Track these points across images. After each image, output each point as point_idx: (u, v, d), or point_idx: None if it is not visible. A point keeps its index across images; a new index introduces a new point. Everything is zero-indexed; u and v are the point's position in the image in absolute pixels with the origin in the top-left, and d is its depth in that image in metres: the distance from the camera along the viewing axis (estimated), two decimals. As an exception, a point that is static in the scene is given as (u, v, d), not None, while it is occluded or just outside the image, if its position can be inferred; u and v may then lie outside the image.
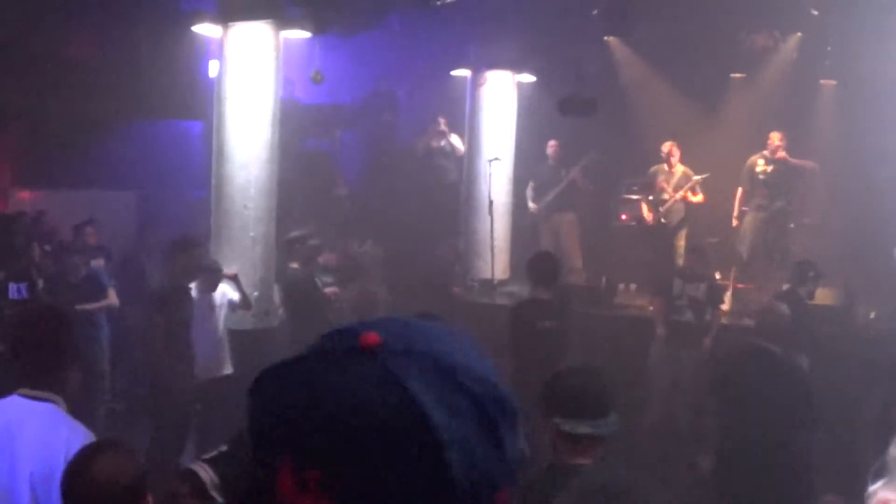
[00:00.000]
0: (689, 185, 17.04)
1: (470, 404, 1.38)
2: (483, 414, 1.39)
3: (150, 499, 4.15)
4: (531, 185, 18.48)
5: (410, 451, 1.33)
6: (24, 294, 6.14)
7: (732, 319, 15.22)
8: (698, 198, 17.15)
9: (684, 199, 17.08)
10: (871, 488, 4.35)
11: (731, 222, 17.51)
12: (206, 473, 4.80)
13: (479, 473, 1.36)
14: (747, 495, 8.49)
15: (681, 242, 17.12)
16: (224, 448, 4.94)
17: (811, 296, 13.18)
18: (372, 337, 1.41)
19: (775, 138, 16.61)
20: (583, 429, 5.05)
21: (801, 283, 13.13)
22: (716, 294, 14.03)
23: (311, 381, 1.38)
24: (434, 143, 19.62)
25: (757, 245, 16.85)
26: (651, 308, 14.75)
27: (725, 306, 16.01)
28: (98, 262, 15.12)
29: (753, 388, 8.83)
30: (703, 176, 17.08)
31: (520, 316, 11.27)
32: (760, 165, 16.65)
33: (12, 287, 4.90)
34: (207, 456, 4.88)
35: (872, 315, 14.50)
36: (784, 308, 10.46)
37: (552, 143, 18.40)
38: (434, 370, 1.39)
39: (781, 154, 16.50)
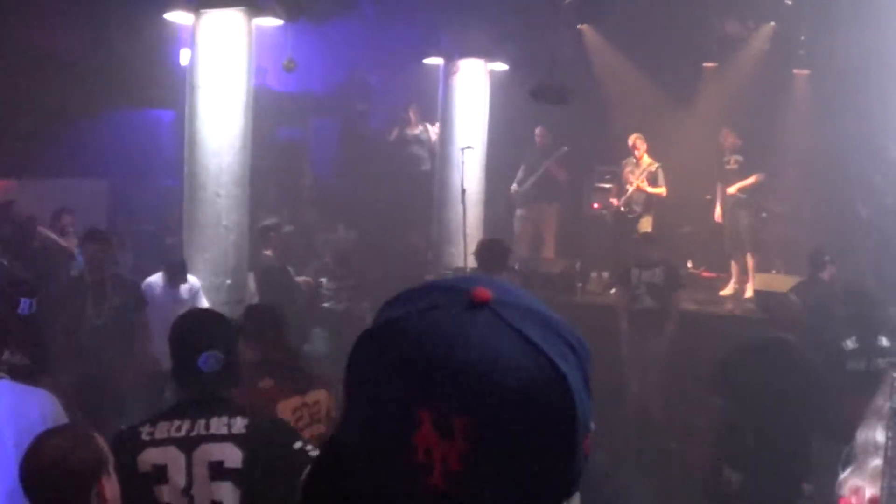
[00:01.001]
0: (643, 174, 17.12)
1: (572, 353, 1.45)
2: (580, 362, 1.46)
3: (106, 485, 4.14)
4: (521, 167, 18.56)
5: (546, 398, 1.38)
6: (34, 309, 6.12)
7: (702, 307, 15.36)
8: (659, 189, 17.18)
9: (641, 190, 17.15)
10: (842, 476, 4.37)
11: (703, 211, 17.52)
12: None
13: (584, 419, 1.43)
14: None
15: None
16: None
17: (833, 278, 13.23)
18: (484, 291, 1.44)
19: (727, 136, 16.84)
20: None
21: (819, 269, 13.24)
22: (673, 278, 14.23)
23: (442, 333, 1.40)
24: (408, 132, 19.62)
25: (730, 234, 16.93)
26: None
27: (728, 291, 16.15)
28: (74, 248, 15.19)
29: (767, 384, 8.47)
30: (657, 165, 17.17)
31: None
32: (731, 160, 16.77)
33: (24, 303, 4.88)
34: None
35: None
36: (794, 297, 10.61)
37: (539, 130, 18.46)
38: (540, 322, 1.44)
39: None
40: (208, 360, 5.08)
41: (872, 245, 16.41)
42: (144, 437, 5.02)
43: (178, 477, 4.96)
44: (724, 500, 8.86)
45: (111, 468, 4.22)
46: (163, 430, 5.04)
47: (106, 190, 19.97)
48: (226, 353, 5.17)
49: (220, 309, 12.37)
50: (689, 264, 18.47)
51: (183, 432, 5.01)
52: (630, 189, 17.19)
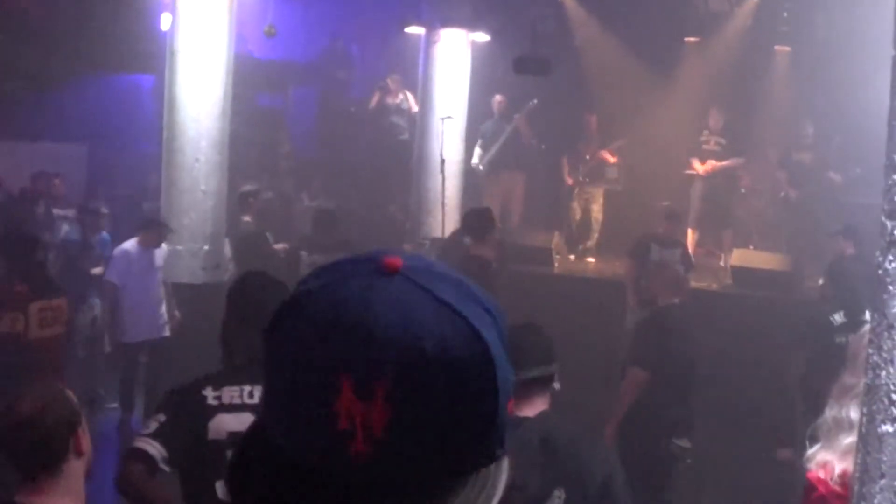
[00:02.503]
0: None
1: (489, 317, 1.44)
2: (498, 326, 1.45)
3: (82, 439, 4.18)
4: (479, 142, 18.47)
5: (465, 358, 1.38)
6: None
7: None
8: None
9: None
10: (810, 451, 4.40)
11: (682, 186, 17.54)
12: (155, 449, 4.85)
13: (505, 381, 1.42)
14: None
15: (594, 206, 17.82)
16: (162, 418, 4.95)
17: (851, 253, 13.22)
18: (395, 259, 1.44)
19: (714, 116, 16.82)
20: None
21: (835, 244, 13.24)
22: (688, 259, 14.08)
23: (357, 299, 1.40)
24: (388, 100, 19.59)
25: (703, 211, 16.91)
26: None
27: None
28: (69, 213, 15.22)
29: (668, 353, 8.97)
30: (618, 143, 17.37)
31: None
32: (710, 140, 16.76)
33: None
34: (149, 431, 4.94)
35: (821, 281, 14.58)
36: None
37: (498, 97, 18.40)
38: (455, 286, 1.45)
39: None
40: None
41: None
42: (211, 401, 4.91)
43: None
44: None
45: (84, 422, 4.25)
46: (232, 395, 4.94)
47: (85, 154, 19.93)
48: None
49: (197, 274, 12.46)
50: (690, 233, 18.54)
51: (257, 398, 4.85)
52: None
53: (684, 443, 8.98)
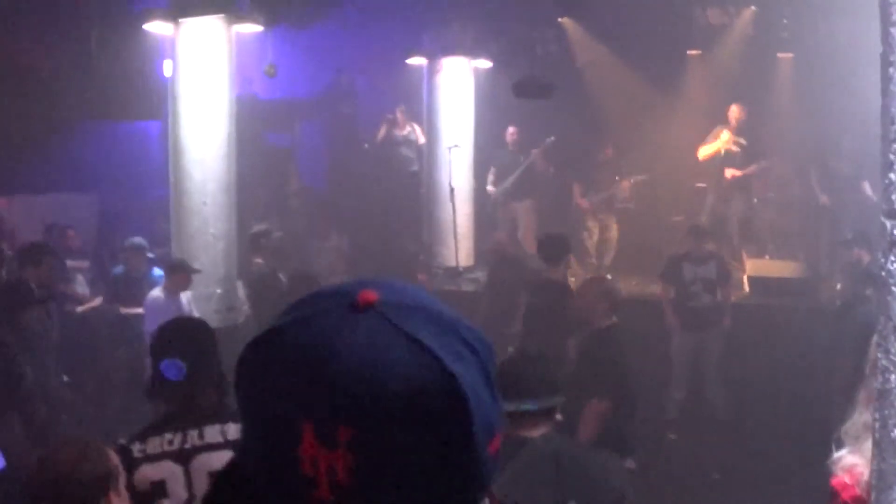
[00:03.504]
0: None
1: (470, 353, 1.40)
2: (481, 362, 1.41)
3: (114, 500, 4.13)
4: (492, 170, 18.46)
5: (434, 401, 1.33)
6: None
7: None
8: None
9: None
10: (837, 455, 4.34)
11: (694, 200, 17.44)
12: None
13: (486, 421, 1.38)
14: None
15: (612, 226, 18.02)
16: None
17: (860, 260, 13.14)
18: (370, 293, 1.40)
19: (737, 111, 16.64)
20: (506, 408, 5.14)
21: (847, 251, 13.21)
22: (724, 271, 13.82)
23: (322, 340, 1.36)
24: (395, 133, 19.59)
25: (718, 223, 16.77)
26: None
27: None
28: (82, 264, 15.19)
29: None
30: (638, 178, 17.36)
31: (529, 292, 12.03)
32: (726, 142, 16.60)
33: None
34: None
35: (839, 286, 14.52)
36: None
37: (511, 129, 18.40)
38: (434, 321, 1.40)
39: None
40: (169, 368, 4.93)
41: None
42: (137, 454, 4.90)
43: (179, 490, 4.86)
44: None
45: (121, 483, 4.22)
46: (155, 445, 4.93)
47: (95, 204, 19.94)
48: (193, 360, 4.99)
49: (211, 318, 12.36)
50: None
51: (176, 445, 4.90)
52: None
53: (629, 464, 8.89)
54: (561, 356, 11.33)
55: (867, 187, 16.41)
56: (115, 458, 4.25)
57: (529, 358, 5.79)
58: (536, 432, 5.36)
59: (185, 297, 12.07)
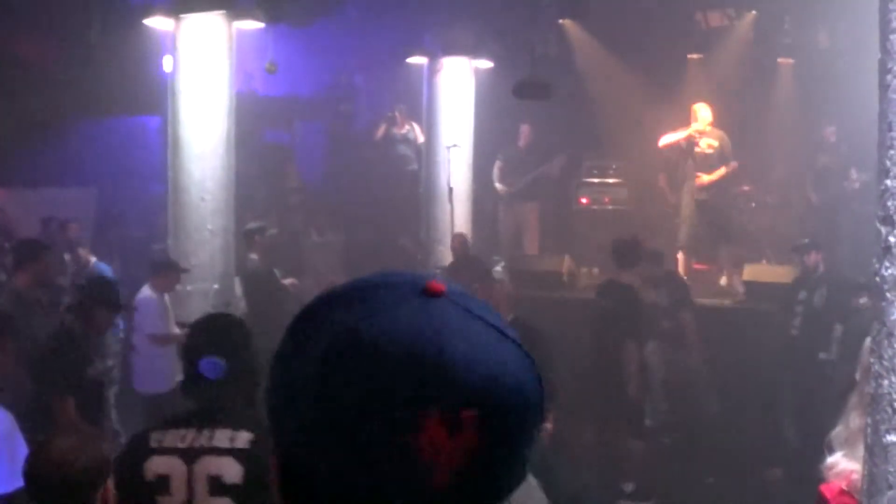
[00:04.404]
0: None
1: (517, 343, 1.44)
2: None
3: (110, 485, 4.17)
4: (498, 165, 18.51)
5: (524, 383, 1.39)
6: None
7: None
8: None
9: None
10: (830, 460, 4.32)
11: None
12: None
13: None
14: None
15: None
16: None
17: (817, 264, 13.20)
18: (439, 284, 1.43)
19: (702, 110, 16.46)
20: None
21: (801, 255, 13.24)
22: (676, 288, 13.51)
23: (425, 331, 1.37)
24: (395, 131, 19.60)
25: (698, 227, 16.59)
26: None
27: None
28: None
29: None
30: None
31: (598, 293, 12.12)
32: (701, 143, 16.41)
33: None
34: None
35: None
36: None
37: (525, 128, 18.46)
38: (488, 307, 1.45)
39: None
40: (208, 366, 4.86)
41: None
42: (153, 443, 4.84)
43: (180, 489, 4.76)
44: None
45: (111, 477, 4.25)
46: (171, 438, 4.86)
47: (93, 197, 19.95)
48: (231, 359, 4.93)
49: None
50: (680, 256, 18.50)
51: (187, 443, 4.81)
52: None
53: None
54: (627, 359, 11.40)
55: (851, 183, 16.44)
56: (107, 448, 4.27)
57: None
58: None
59: (167, 297, 12.05)
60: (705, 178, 16.24)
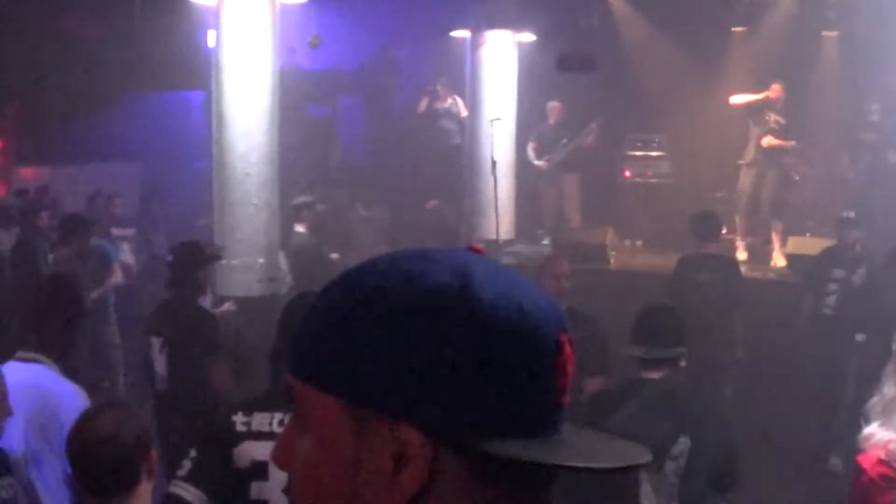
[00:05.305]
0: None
1: None
2: None
3: (154, 456, 4.16)
4: (531, 145, 18.44)
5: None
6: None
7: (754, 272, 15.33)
8: None
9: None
10: (866, 431, 4.33)
11: (736, 176, 17.31)
12: (190, 493, 4.66)
13: None
14: None
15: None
16: (193, 453, 4.76)
17: (855, 240, 13.03)
18: (478, 245, 1.55)
19: (777, 90, 16.48)
20: (636, 352, 6.13)
21: (842, 230, 13.05)
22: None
23: (513, 275, 1.48)
24: (437, 105, 19.58)
25: (754, 199, 16.66)
26: None
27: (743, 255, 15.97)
28: (128, 232, 15.30)
29: None
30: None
31: (683, 268, 12.09)
32: (771, 117, 16.42)
33: None
34: (182, 473, 4.73)
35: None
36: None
37: (555, 104, 18.36)
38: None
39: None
40: None
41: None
42: (240, 427, 4.72)
43: (278, 475, 4.53)
44: None
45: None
46: (262, 421, 4.73)
47: (138, 173, 20.08)
48: None
49: (253, 287, 12.46)
50: (724, 230, 18.43)
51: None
52: None
53: None
54: (730, 325, 11.36)
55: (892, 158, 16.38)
56: (147, 421, 4.24)
57: (661, 309, 6.56)
58: (657, 375, 6.02)
59: None
60: (774, 141, 16.28)
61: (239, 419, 4.76)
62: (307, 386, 1.45)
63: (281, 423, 4.69)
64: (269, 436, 4.66)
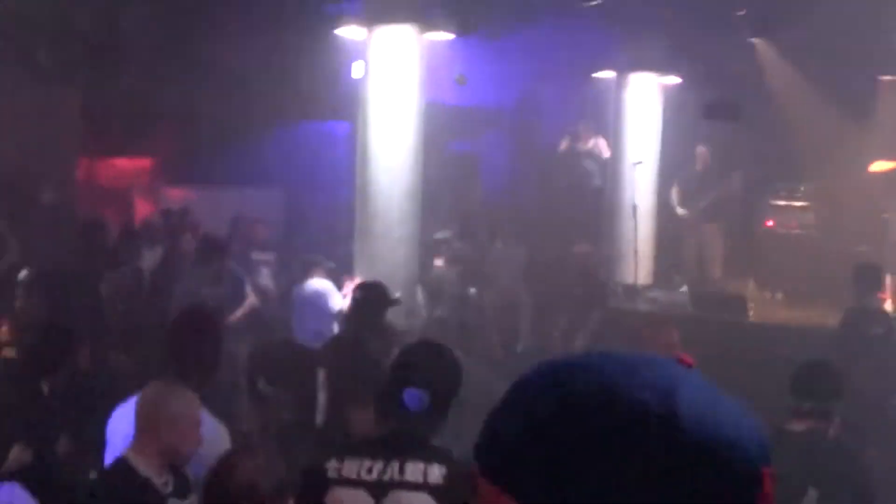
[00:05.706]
0: None
1: None
2: None
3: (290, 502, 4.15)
4: (675, 189, 18.30)
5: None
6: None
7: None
8: None
9: None
10: None
11: (881, 230, 17.00)
12: None
13: None
14: None
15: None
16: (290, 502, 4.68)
17: None
18: (688, 358, 1.52)
19: None
20: (789, 401, 6.25)
21: None
22: None
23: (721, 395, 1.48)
24: (579, 146, 19.53)
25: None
26: None
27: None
28: (268, 257, 15.46)
29: None
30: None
31: (855, 320, 11.60)
32: None
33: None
34: None
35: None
36: None
37: (702, 150, 18.20)
38: None
39: None
40: (412, 398, 4.65)
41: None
42: (331, 474, 4.61)
43: None
44: None
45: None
46: (351, 468, 4.62)
47: (280, 199, 20.32)
48: (434, 394, 4.70)
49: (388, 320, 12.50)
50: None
51: (375, 475, 4.57)
52: None
53: None
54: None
55: None
56: (284, 466, 4.24)
57: (818, 364, 6.70)
58: (802, 427, 6.15)
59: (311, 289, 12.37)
60: None
61: (332, 465, 4.67)
62: (496, 488, 1.44)
63: (369, 470, 4.61)
64: (356, 483, 4.60)
